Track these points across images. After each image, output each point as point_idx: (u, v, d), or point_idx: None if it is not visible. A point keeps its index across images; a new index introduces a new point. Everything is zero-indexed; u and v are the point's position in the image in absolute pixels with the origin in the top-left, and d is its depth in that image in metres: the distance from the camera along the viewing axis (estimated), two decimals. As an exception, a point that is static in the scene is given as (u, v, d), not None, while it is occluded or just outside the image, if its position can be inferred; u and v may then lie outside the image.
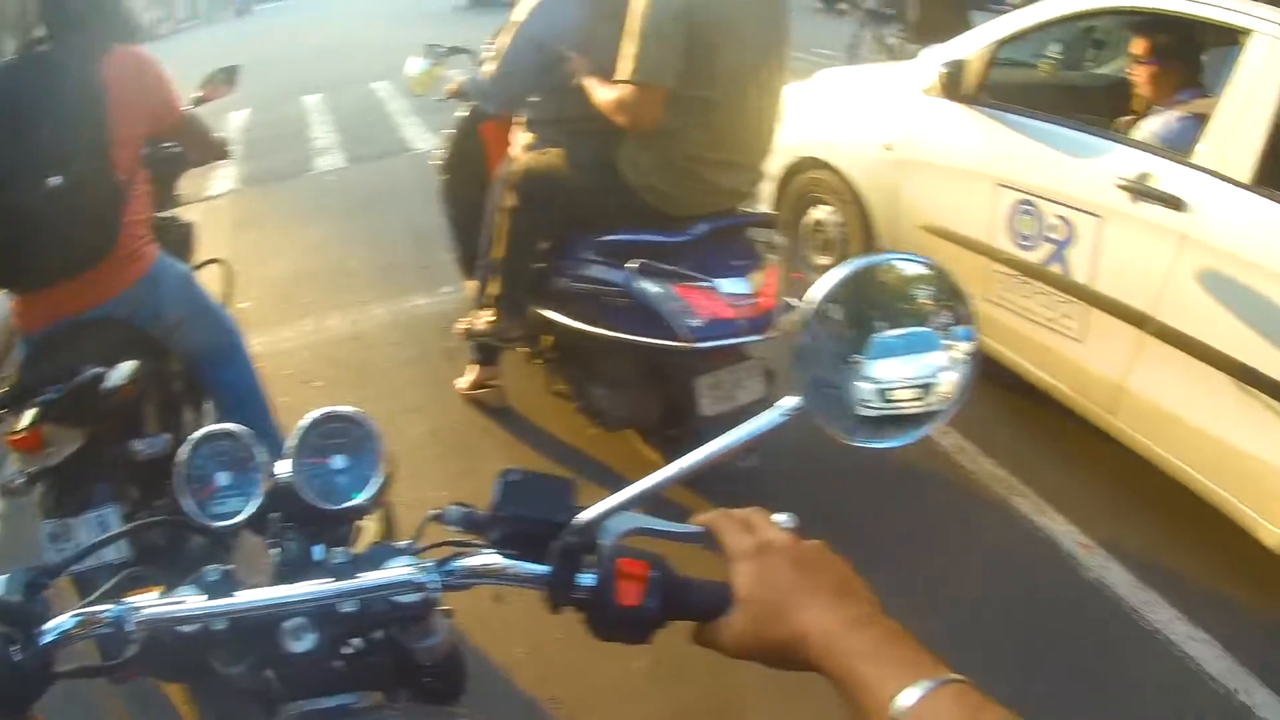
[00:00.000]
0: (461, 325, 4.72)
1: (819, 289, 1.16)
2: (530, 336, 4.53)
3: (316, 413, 1.46)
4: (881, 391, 1.20)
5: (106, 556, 2.70)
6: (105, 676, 1.18)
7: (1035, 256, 4.36)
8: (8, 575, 1.23)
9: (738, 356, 3.91)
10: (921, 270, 1.21)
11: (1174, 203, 3.77)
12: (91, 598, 1.21)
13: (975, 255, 4.70)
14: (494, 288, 4.36)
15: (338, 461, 1.44)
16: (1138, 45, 4.66)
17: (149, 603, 1.18)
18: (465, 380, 5.01)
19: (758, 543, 1.08)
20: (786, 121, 5.07)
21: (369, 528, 1.52)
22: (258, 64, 19.16)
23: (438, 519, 1.27)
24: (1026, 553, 4.02)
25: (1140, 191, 3.89)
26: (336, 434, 1.46)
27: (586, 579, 1.13)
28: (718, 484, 3.62)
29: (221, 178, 10.24)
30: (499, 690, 3.32)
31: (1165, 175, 3.85)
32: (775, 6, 3.92)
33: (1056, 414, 4.53)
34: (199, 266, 4.13)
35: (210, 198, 9.50)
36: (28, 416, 2.84)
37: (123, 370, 2.92)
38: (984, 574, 3.91)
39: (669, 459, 3.42)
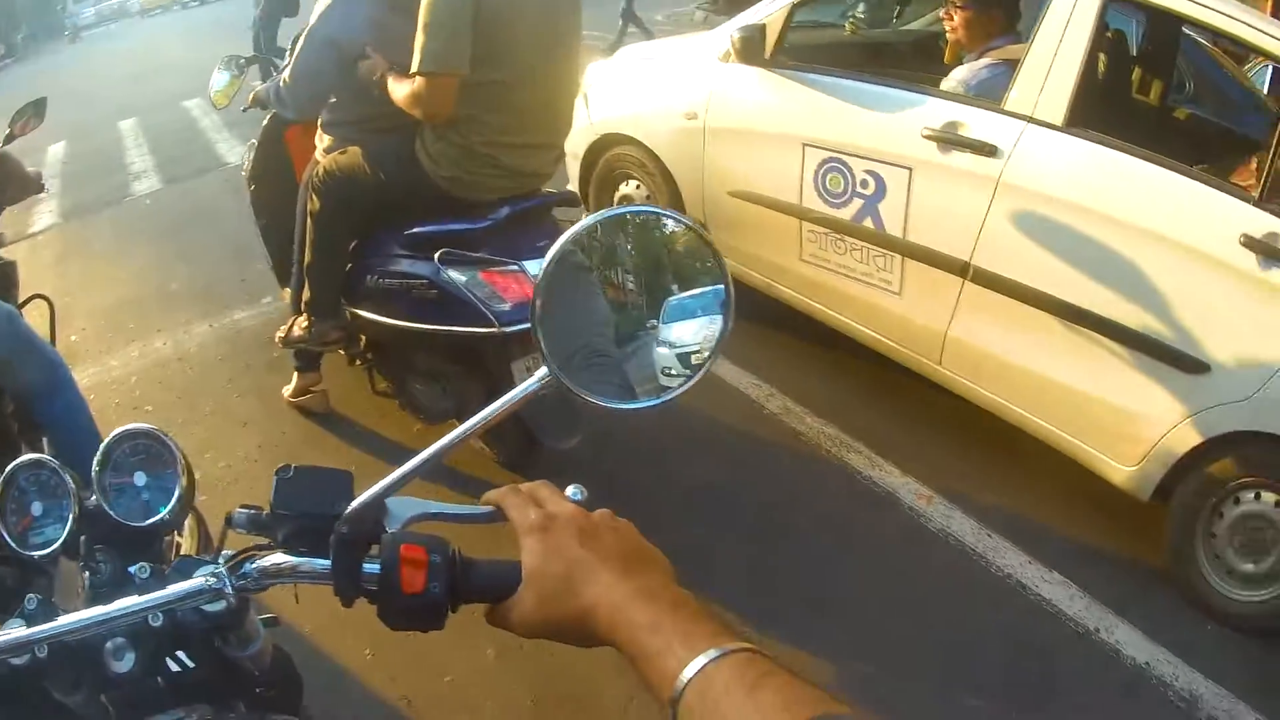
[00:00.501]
0: (280, 333, 4.68)
1: (553, 250, 1.16)
2: (348, 338, 4.50)
3: (114, 433, 1.45)
4: (684, 356, 1.21)
5: None
6: None
7: (847, 213, 4.40)
8: None
9: None
10: (672, 224, 1.21)
11: (987, 149, 3.86)
12: None
13: (786, 217, 4.74)
14: (307, 293, 4.33)
15: (140, 479, 1.44)
16: None
17: None
18: (289, 388, 5.00)
19: (544, 515, 1.07)
20: (591, 99, 5.04)
21: (184, 542, 1.62)
22: (74, 93, 19.46)
23: (228, 522, 1.26)
24: (869, 510, 4.06)
25: (950, 141, 3.96)
26: (138, 451, 1.46)
27: (372, 568, 1.11)
28: (541, 473, 3.61)
29: (42, 213, 10.17)
30: (349, 694, 3.29)
31: (977, 123, 3.93)
32: None
33: (880, 368, 4.59)
34: (22, 304, 4.03)
35: (33, 234, 9.50)
36: None
37: None
38: (826, 535, 3.92)
39: (494, 447, 3.59)
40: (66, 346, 4.03)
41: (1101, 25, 3.84)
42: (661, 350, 1.20)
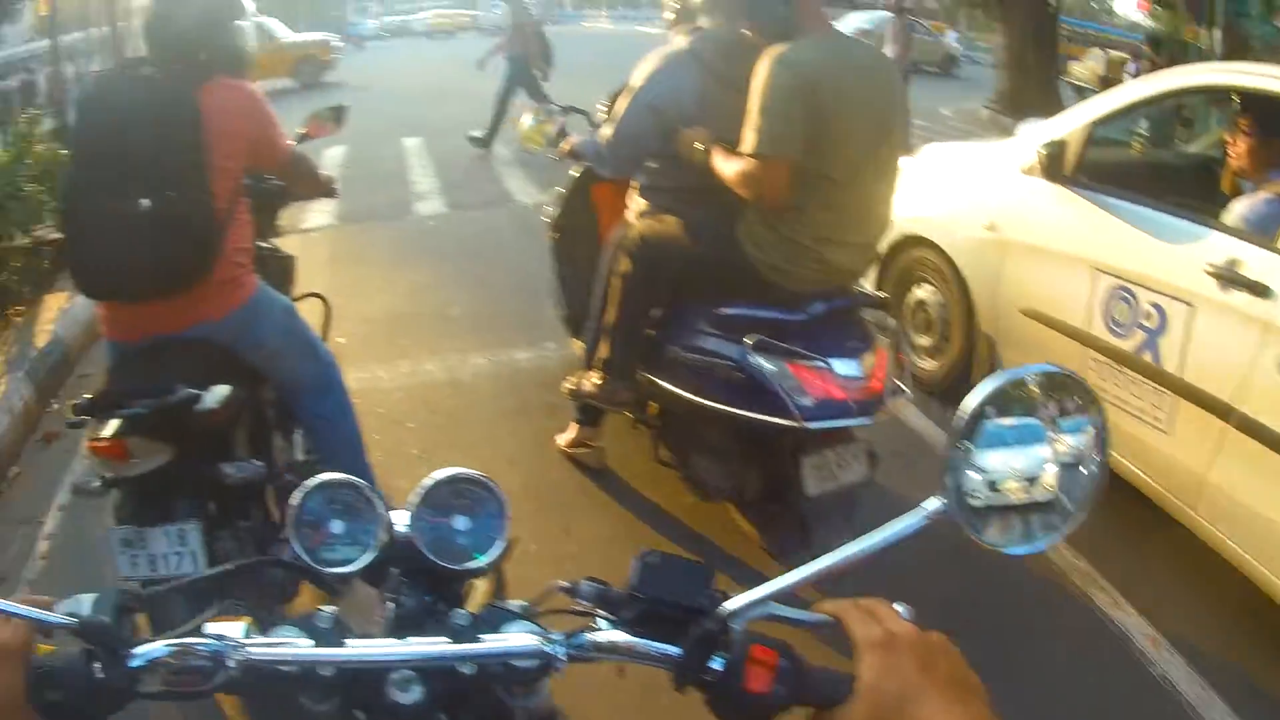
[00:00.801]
0: (568, 384, 4.68)
1: (974, 398, 1.17)
2: (637, 402, 4.49)
3: (443, 473, 1.47)
4: (990, 483, 1.20)
5: (180, 570, 2.95)
6: (186, 700, 1.23)
7: (1129, 345, 4.39)
8: (97, 594, 1.25)
9: (844, 437, 3.89)
10: (1055, 374, 1.21)
11: (1260, 290, 3.78)
12: (185, 627, 1.24)
13: (1072, 342, 4.72)
14: (604, 351, 4.35)
15: (459, 522, 1.46)
16: (1238, 118, 4.64)
17: (252, 641, 1.20)
18: (565, 437, 5.03)
19: (885, 633, 1.09)
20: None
21: (479, 585, 1.56)
22: (356, 101, 19.34)
23: (569, 592, 1.29)
24: (1099, 648, 4.00)
25: (1229, 278, 3.91)
26: (461, 494, 1.47)
27: (716, 662, 1.15)
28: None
29: (319, 212, 10.45)
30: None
31: (1253, 261, 3.86)
32: (893, 84, 3.98)
33: (1139, 503, 4.48)
34: (298, 299, 4.18)
35: (307, 230, 9.84)
36: (113, 426, 2.95)
37: (217, 394, 3.05)
38: (1055, 670, 3.87)
39: (764, 533, 3.63)
40: (334, 347, 4.16)
41: None
42: (971, 474, 1.19)
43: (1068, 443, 1.20)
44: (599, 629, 1.25)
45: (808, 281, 3.90)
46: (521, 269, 7.91)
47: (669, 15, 4.60)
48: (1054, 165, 4.86)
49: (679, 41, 4.19)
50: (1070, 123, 5.01)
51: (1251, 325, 3.81)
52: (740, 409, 3.82)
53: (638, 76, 4.16)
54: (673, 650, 1.19)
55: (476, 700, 1.29)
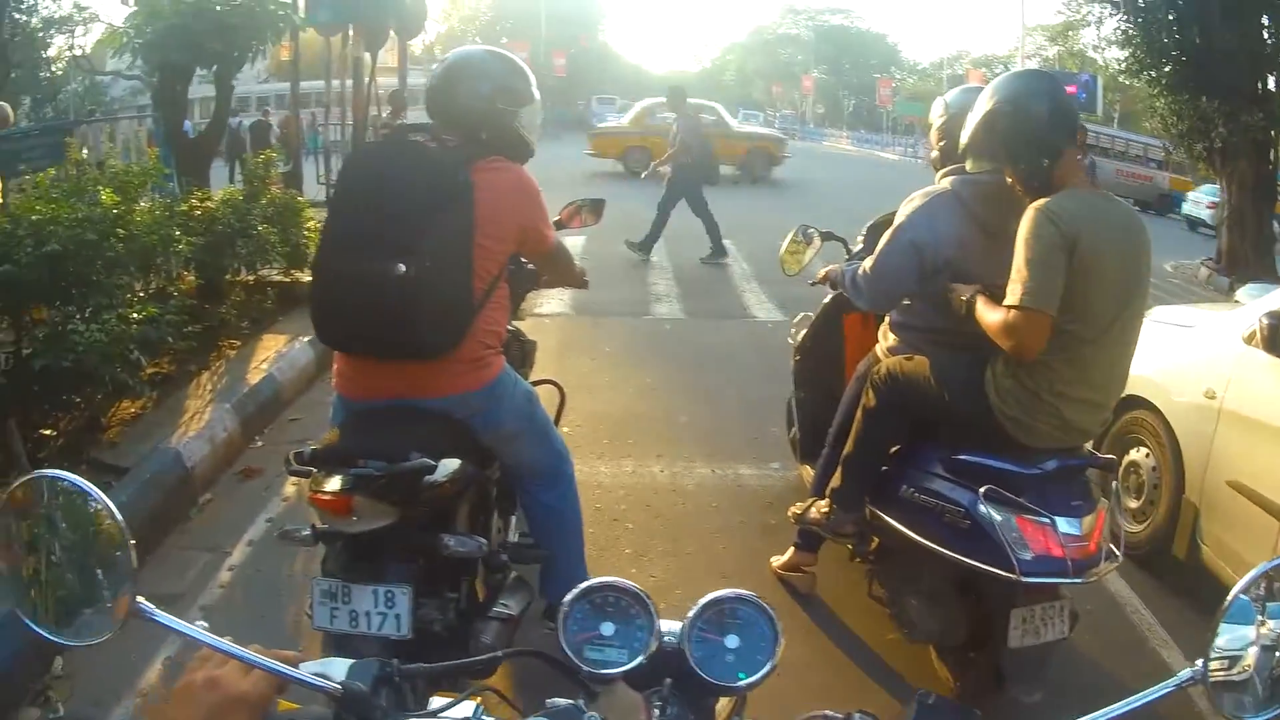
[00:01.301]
0: (795, 509, 4.73)
1: (1245, 579, 1.22)
2: (859, 534, 4.49)
3: (725, 593, 1.50)
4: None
5: (382, 630, 3.00)
6: None
7: None
8: (355, 662, 1.33)
9: (1052, 594, 3.89)
10: None
11: None
12: (446, 703, 1.36)
13: (1276, 521, 4.63)
14: (836, 481, 4.37)
15: (730, 641, 1.47)
16: None
17: None
18: (781, 559, 5.05)
19: None
20: None
21: (723, 701, 1.56)
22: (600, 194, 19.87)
23: None
24: None
25: None
26: (735, 614, 1.49)
27: None
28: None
29: (554, 299, 10.73)
30: None
31: None
32: (1145, 245, 3.93)
33: None
34: (535, 384, 4.23)
35: (541, 316, 10.09)
36: (339, 481, 3.02)
37: (448, 467, 3.08)
38: None
39: (960, 680, 3.81)
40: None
41: None
42: (1257, 651, 1.22)
43: None
44: None
45: (1043, 437, 3.88)
46: (753, 385, 7.96)
47: (934, 154, 4.60)
48: (1276, 338, 4.83)
49: (944, 183, 4.21)
50: None
51: None
52: (961, 555, 3.85)
53: (901, 213, 4.18)
54: None
55: None
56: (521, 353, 4.43)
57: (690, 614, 1.47)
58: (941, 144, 4.47)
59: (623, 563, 5.12)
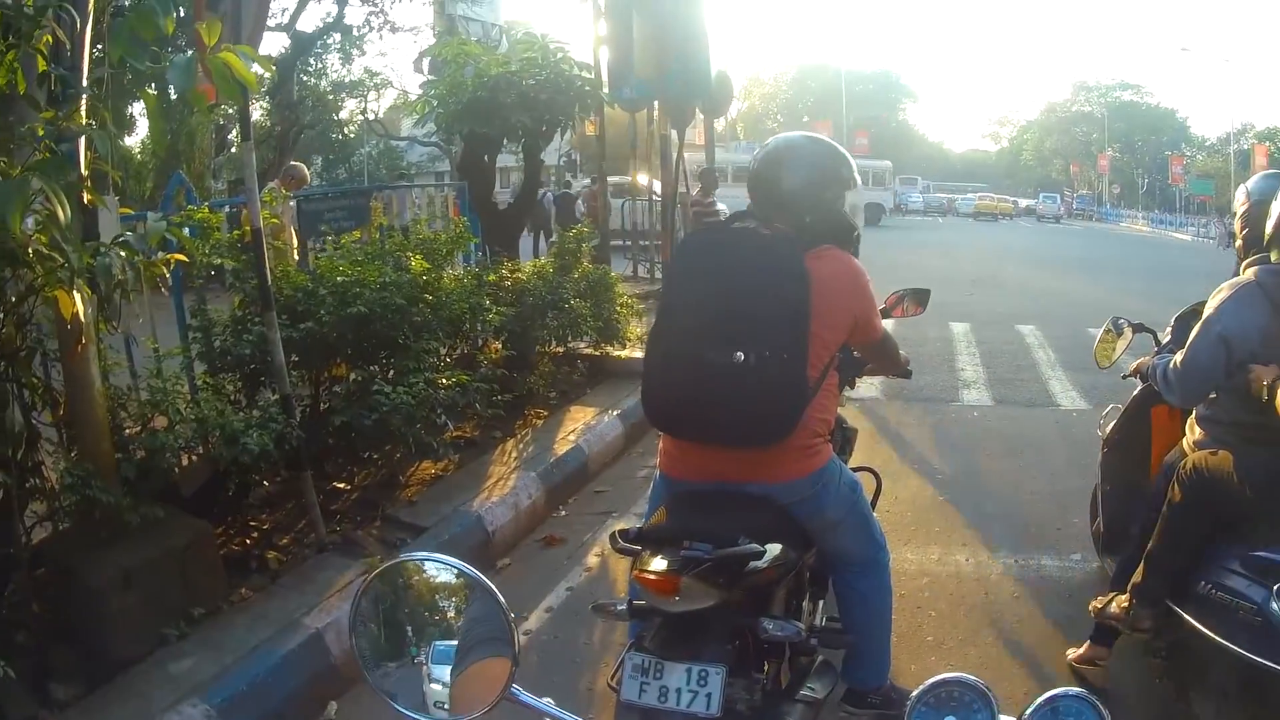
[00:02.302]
0: (1096, 603, 4.75)
1: None
2: (1156, 630, 4.46)
3: (1059, 691, 1.51)
4: None
5: (691, 707, 2.98)
6: None
7: None
8: None
9: None
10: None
11: None
12: None
13: None
14: (1138, 576, 4.38)
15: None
16: None
17: None
18: (1076, 652, 5.02)
19: None
20: None
21: None
22: (904, 279, 19.56)
23: None
24: None
25: None
26: (953, 699, 1.55)
27: None
28: None
29: (866, 384, 10.35)
30: None
31: None
32: None
33: None
34: (855, 470, 4.22)
35: (853, 399, 10.06)
36: (668, 562, 3.04)
37: (773, 552, 3.15)
38: None
39: None
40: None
41: None
42: None
43: None
44: None
45: None
46: (1058, 476, 7.93)
47: (1238, 243, 4.65)
48: None
49: (1248, 273, 4.18)
50: None
51: None
52: (1253, 654, 3.77)
53: (1210, 306, 4.19)
54: None
55: None
56: (843, 439, 4.50)
57: (1028, 711, 1.49)
58: (1245, 232, 4.52)
59: (924, 650, 5.21)
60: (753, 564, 3.10)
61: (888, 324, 4.23)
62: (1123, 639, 4.82)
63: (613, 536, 3.29)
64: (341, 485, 6.55)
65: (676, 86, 11.21)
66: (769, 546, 3.16)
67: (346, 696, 4.63)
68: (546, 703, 1.42)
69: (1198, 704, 4.27)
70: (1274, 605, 3.75)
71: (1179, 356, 4.29)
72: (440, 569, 1.67)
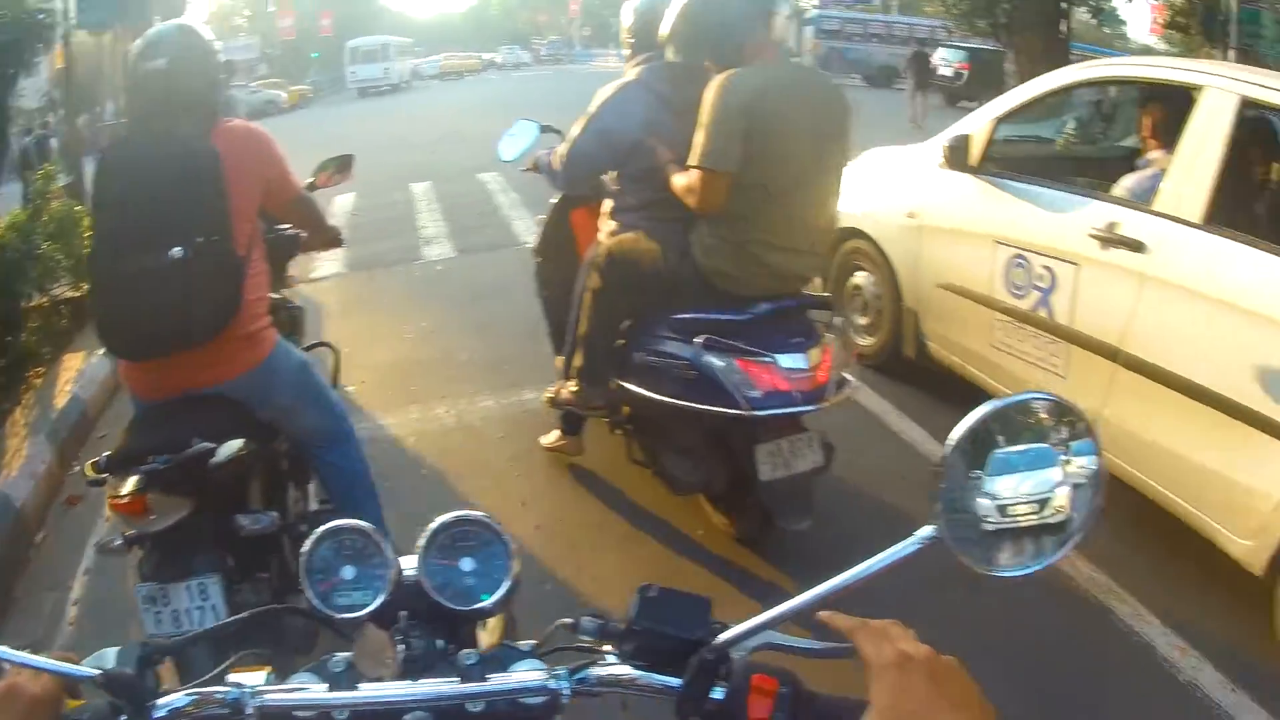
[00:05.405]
0: (548, 393, 5.49)
1: (958, 431, 1.26)
2: (611, 406, 5.14)
3: (447, 516, 1.58)
4: (1001, 507, 1.28)
5: (204, 624, 3.00)
6: None
7: (1026, 304, 5.43)
8: (121, 648, 1.35)
9: (795, 427, 4.49)
10: (1043, 400, 1.31)
11: (1136, 245, 4.74)
12: (205, 677, 1.35)
13: (980, 307, 5.77)
14: (578, 360, 5.02)
15: (466, 564, 1.55)
16: (1140, 106, 5.86)
17: (269, 688, 1.31)
18: (548, 440, 5.84)
19: (899, 653, 1.13)
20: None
21: (490, 625, 1.66)
22: (366, 149, 18.62)
23: (571, 628, 1.41)
24: (1122, 658, 4.20)
25: (1108, 239, 4.88)
26: (465, 537, 1.57)
27: (717, 692, 1.23)
28: (772, 553, 4.64)
29: (327, 261, 10.94)
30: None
31: (1130, 222, 4.83)
32: (834, 107, 4.63)
33: (1161, 517, 4.72)
34: (308, 349, 4.44)
35: (317, 280, 10.39)
36: (132, 483, 3.07)
37: (231, 447, 3.24)
38: (1084, 681, 4.05)
39: (735, 523, 4.59)
40: (344, 396, 4.59)
41: (1239, 131, 4.57)
42: (983, 501, 1.27)
43: (1078, 464, 1.30)
44: (604, 663, 1.35)
45: (754, 286, 4.55)
46: (528, 310, 7.55)
47: (626, 51, 5.28)
48: (958, 157, 5.99)
49: (631, 73, 4.94)
50: (978, 120, 6.13)
51: (1129, 277, 4.77)
52: (696, 403, 4.43)
53: (594, 104, 4.88)
54: (673, 682, 1.28)
55: None
56: (291, 320, 4.60)
57: (420, 544, 1.55)
58: (633, 41, 5.14)
59: (422, 512, 5.21)
60: (214, 462, 3.18)
61: (347, 198, 4.21)
62: (593, 423, 5.58)
63: (84, 473, 3.31)
64: None
65: (136, 5, 10.85)
66: (227, 443, 3.25)
67: None
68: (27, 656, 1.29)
69: (666, 464, 4.89)
70: (702, 356, 4.41)
71: (562, 148, 4.99)
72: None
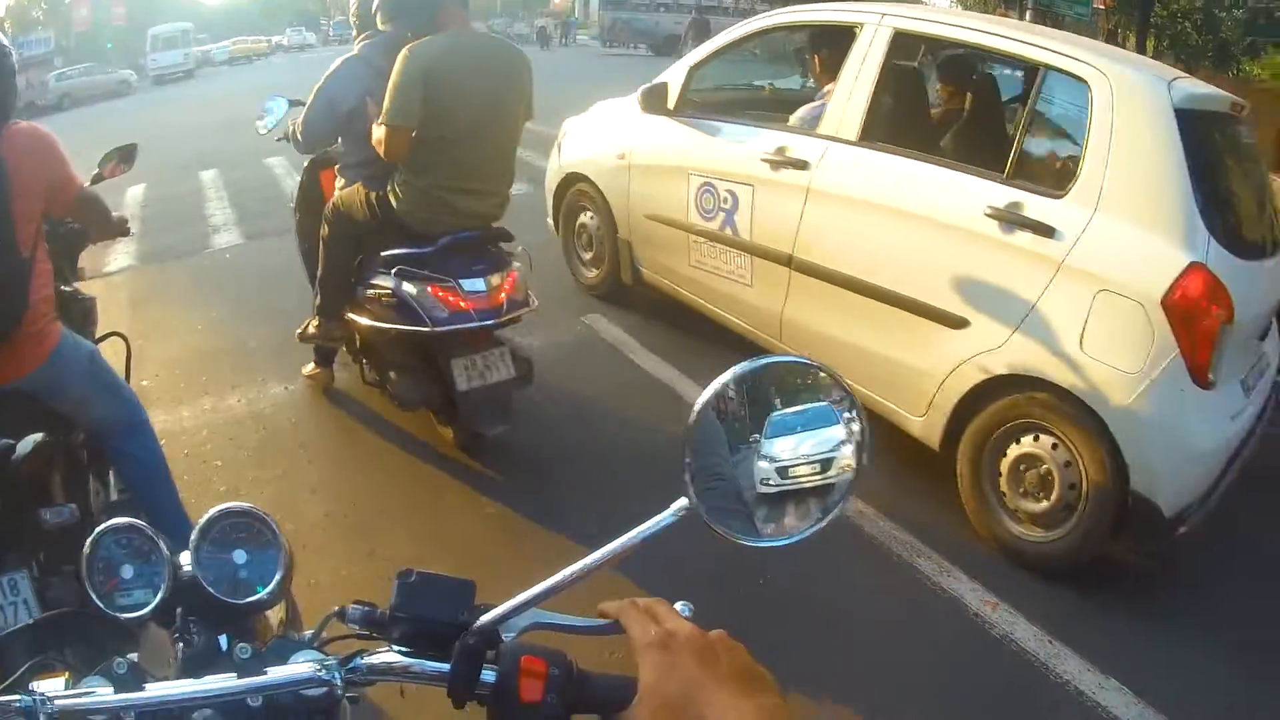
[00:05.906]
0: (299, 331, 6.34)
1: (703, 396, 1.28)
2: (348, 338, 6.06)
3: (215, 509, 1.55)
4: (782, 469, 1.30)
5: (18, 620, 2.96)
6: None
7: (715, 224, 6.26)
8: None
9: (490, 342, 5.31)
10: (801, 362, 1.34)
11: (801, 164, 5.56)
12: (2, 685, 1.36)
13: (679, 232, 6.60)
14: (318, 300, 5.93)
15: (239, 556, 1.54)
16: (811, 48, 6.64)
17: (59, 693, 1.26)
18: (306, 369, 6.80)
19: (663, 632, 1.13)
20: (563, 147, 7.48)
21: (272, 616, 1.65)
22: (157, 138, 19.28)
23: (340, 617, 1.37)
24: (932, 613, 4.38)
25: (777, 161, 5.69)
26: (238, 529, 1.56)
27: (488, 675, 1.21)
28: (495, 459, 5.49)
29: (119, 254, 11.07)
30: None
31: (797, 145, 5.65)
32: (509, 67, 5.33)
33: (953, 471, 4.98)
34: (99, 340, 4.40)
35: (108, 274, 10.36)
36: None
37: (28, 443, 3.19)
38: (887, 637, 4.22)
39: (456, 434, 5.80)
40: (138, 390, 4.53)
41: (890, 63, 5.39)
42: (761, 464, 1.29)
43: (855, 423, 1.32)
44: (375, 652, 1.33)
45: (443, 225, 5.30)
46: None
47: (353, 31, 5.92)
48: (653, 102, 6.85)
49: (355, 49, 5.58)
50: (676, 70, 6.93)
51: (797, 192, 5.58)
52: (393, 324, 5.29)
53: (322, 77, 5.51)
54: (444, 667, 1.26)
55: None
56: (82, 312, 4.52)
57: (192, 539, 1.53)
58: (356, 21, 5.87)
59: (218, 501, 5.26)
60: (12, 459, 3.17)
61: (137, 189, 4.37)
62: (344, 356, 6.57)
63: None
64: None
65: None
66: (25, 439, 3.24)
67: None
68: None
69: (391, 384, 5.59)
70: (401, 285, 5.23)
71: (300, 116, 5.69)
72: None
